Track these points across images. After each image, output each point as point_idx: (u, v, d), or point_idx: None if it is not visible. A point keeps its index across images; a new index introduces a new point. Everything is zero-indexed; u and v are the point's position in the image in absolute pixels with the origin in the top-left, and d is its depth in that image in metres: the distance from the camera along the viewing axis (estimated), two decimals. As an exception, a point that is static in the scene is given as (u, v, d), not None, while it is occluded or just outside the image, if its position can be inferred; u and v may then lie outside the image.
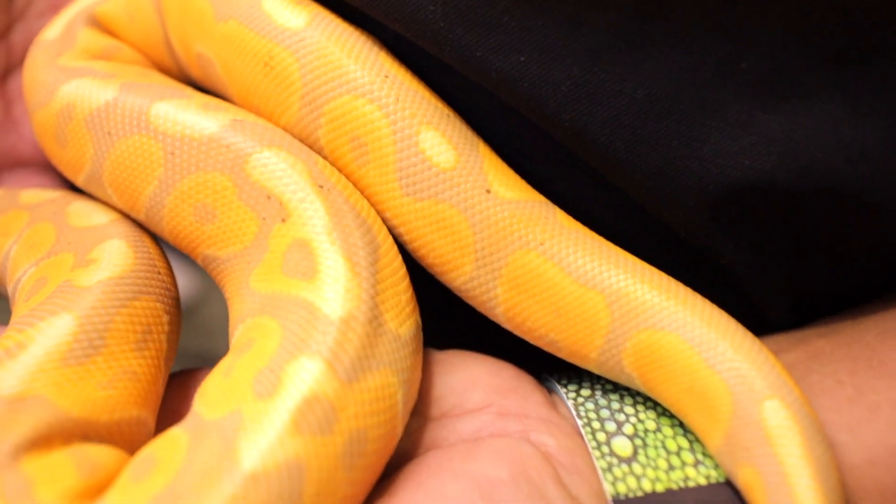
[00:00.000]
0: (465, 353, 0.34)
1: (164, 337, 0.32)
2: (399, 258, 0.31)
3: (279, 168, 0.30)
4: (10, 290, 0.36)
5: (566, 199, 0.32)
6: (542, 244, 0.31)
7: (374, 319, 0.28)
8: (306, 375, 0.26)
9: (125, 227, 0.34)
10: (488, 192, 0.31)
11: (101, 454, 0.27)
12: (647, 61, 0.28)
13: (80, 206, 0.36)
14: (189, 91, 0.34)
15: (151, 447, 0.27)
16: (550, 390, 0.33)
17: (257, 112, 0.34)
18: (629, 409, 0.31)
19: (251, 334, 0.29)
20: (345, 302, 0.28)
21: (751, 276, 0.32)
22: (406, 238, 0.32)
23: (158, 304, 0.32)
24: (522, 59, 0.29)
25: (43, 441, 0.27)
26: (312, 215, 0.30)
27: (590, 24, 0.28)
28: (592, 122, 0.29)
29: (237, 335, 0.30)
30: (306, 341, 0.27)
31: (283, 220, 0.30)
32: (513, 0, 0.28)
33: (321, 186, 0.30)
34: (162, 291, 0.33)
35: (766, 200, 0.29)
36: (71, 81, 0.34)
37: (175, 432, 0.27)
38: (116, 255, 0.32)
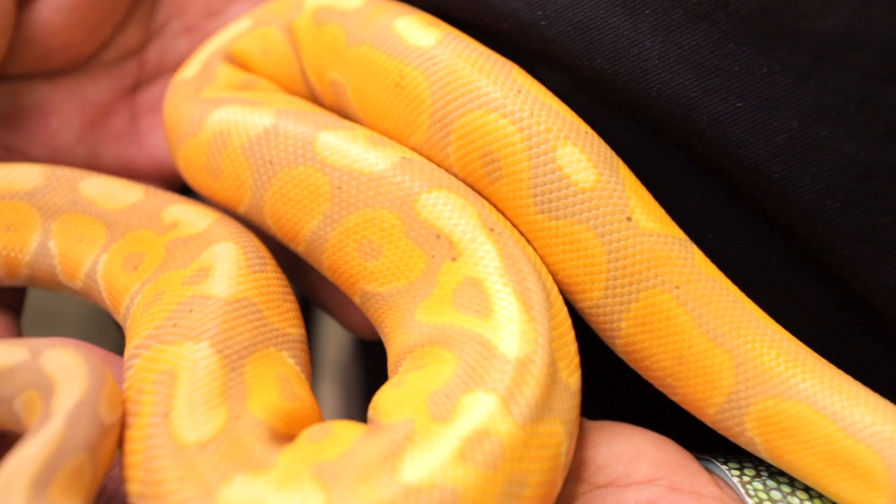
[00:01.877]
0: (621, 424, 0.32)
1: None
2: (566, 308, 0.30)
3: (448, 208, 0.30)
4: (122, 315, 0.34)
5: (724, 245, 0.31)
6: (677, 287, 0.29)
7: (551, 365, 0.27)
8: (481, 410, 0.25)
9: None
10: (629, 219, 0.30)
11: (298, 386, 0.29)
12: (877, 124, 0.27)
13: (175, 212, 0.35)
14: (347, 121, 0.33)
15: (333, 422, 0.28)
16: (709, 471, 0.31)
17: (387, 134, 0.34)
18: (802, 494, 0.29)
19: (423, 360, 0.28)
20: (522, 343, 0.27)
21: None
22: (537, 254, 0.31)
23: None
24: (740, 104, 0.28)
25: (260, 347, 0.29)
26: (483, 256, 0.29)
27: (820, 79, 0.27)
28: (803, 177, 0.28)
29: (406, 364, 0.29)
30: (483, 377, 0.26)
31: (454, 259, 0.29)
32: (740, 46, 0.28)
33: (492, 230, 0.30)
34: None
35: None
36: (219, 109, 0.33)
37: (357, 424, 0.27)
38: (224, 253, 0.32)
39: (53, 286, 0.37)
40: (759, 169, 0.28)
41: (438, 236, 0.30)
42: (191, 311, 0.29)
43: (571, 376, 0.28)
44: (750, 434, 0.29)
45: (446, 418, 0.25)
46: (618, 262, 0.30)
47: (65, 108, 0.41)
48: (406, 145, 0.33)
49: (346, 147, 0.31)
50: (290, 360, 0.30)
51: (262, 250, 0.33)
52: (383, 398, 0.28)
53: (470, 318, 0.28)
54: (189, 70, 0.38)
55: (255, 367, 0.29)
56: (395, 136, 0.33)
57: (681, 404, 0.31)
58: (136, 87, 0.43)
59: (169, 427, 0.26)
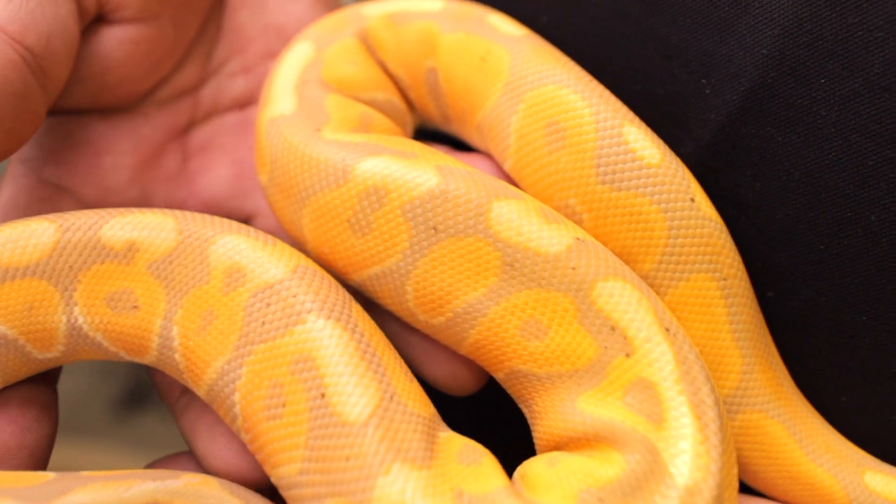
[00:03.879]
0: (761, 500, 0.32)
1: None
2: (727, 421, 0.29)
3: (624, 301, 0.29)
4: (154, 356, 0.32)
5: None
6: (725, 279, 0.31)
7: (717, 498, 0.26)
8: None
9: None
10: (692, 200, 0.30)
11: (399, 356, 0.30)
12: None
13: (116, 234, 0.31)
14: (512, 188, 0.31)
15: (483, 451, 0.28)
16: None
17: (464, 111, 0.35)
18: None
19: (588, 451, 0.28)
20: (693, 469, 0.26)
21: None
22: (588, 224, 0.32)
23: None
24: None
25: (350, 303, 0.29)
26: (659, 358, 0.28)
27: None
28: None
29: (569, 450, 0.29)
30: (645, 497, 0.25)
31: (628, 355, 0.28)
32: None
33: (667, 330, 0.28)
34: None
35: None
36: (367, 159, 0.31)
37: (501, 471, 0.27)
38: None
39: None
40: None
41: (613, 329, 0.28)
42: (268, 304, 0.29)
43: None
44: None
45: None
46: (677, 239, 0.30)
47: (118, 146, 0.38)
48: (475, 116, 0.34)
49: (519, 223, 0.29)
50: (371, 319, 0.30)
51: (244, 225, 0.32)
52: (534, 472, 0.27)
53: (642, 421, 0.27)
54: (282, 105, 0.35)
55: (364, 326, 0.29)
56: (469, 110, 0.35)
57: None
58: (188, 128, 0.40)
59: (328, 406, 0.26)
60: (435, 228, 0.29)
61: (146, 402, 1.21)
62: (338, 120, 0.34)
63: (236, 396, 0.29)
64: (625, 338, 0.28)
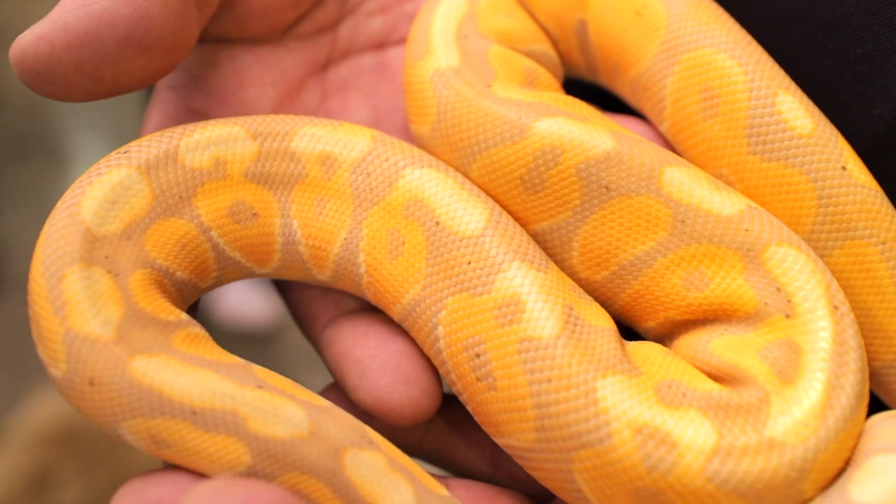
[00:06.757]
0: None
1: None
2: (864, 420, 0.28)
3: (796, 268, 0.28)
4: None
5: None
6: (883, 243, 0.30)
7: (797, 469, 0.25)
8: (692, 432, 0.25)
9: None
10: (844, 168, 0.30)
11: None
12: None
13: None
14: (679, 157, 0.31)
15: (594, 301, 0.30)
16: None
17: (617, 66, 0.35)
18: None
19: (690, 371, 0.28)
20: (789, 432, 0.25)
21: None
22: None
23: None
24: None
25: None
26: (817, 331, 0.27)
27: None
28: None
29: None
30: (724, 421, 0.26)
31: (787, 316, 0.28)
32: None
33: (836, 308, 0.28)
34: None
35: None
36: (543, 119, 0.31)
37: (612, 322, 0.29)
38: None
39: None
40: None
41: (779, 290, 0.28)
42: (368, 174, 0.32)
43: (811, 490, 0.26)
44: None
45: (670, 404, 0.26)
46: (828, 208, 0.30)
47: (263, 78, 0.37)
48: (629, 72, 0.34)
49: (692, 186, 0.30)
50: None
51: (302, 116, 0.34)
52: (647, 348, 0.29)
53: (769, 373, 0.27)
54: (446, 57, 0.34)
55: (456, 172, 0.32)
56: (623, 65, 0.34)
57: None
58: (326, 65, 0.39)
59: (444, 229, 0.30)
60: (607, 188, 0.30)
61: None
62: (505, 75, 0.34)
63: (361, 257, 0.32)
64: (789, 301, 0.28)
